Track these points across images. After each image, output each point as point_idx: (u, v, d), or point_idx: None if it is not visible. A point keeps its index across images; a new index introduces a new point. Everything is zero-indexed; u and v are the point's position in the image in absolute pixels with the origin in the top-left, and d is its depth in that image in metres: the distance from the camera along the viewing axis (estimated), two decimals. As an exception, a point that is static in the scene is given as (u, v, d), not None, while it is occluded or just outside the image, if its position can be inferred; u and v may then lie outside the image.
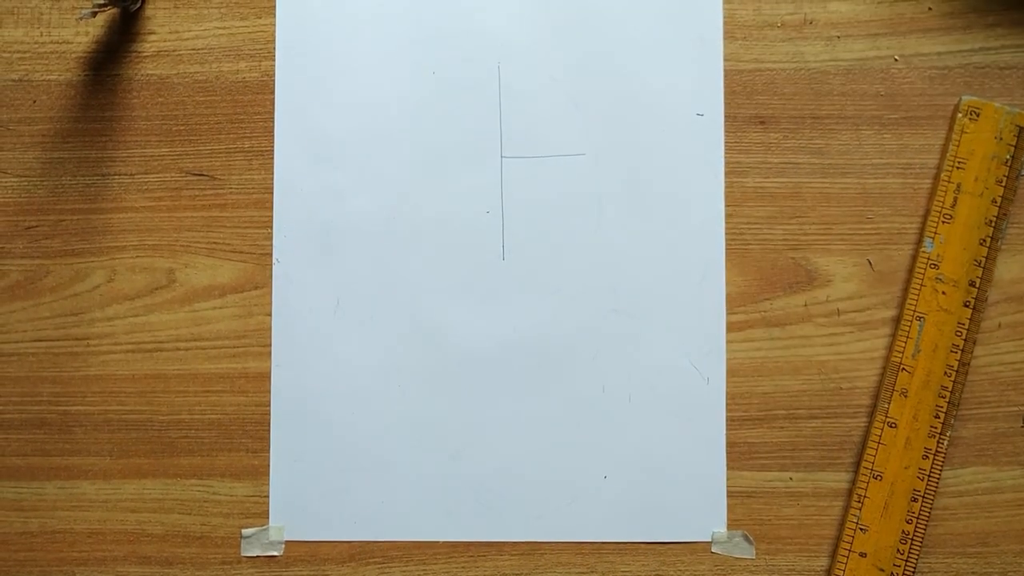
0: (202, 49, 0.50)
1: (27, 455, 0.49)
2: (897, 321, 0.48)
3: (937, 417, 0.47)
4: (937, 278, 0.48)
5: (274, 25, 0.50)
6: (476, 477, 0.49)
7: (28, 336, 0.50)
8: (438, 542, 0.49)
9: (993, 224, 0.48)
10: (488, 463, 0.49)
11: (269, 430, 0.49)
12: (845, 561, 0.47)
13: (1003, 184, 0.48)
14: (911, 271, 0.48)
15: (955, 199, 0.48)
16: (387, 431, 0.49)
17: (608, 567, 0.49)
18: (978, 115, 0.48)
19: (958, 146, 0.48)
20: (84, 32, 0.50)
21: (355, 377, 0.49)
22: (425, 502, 0.49)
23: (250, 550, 0.49)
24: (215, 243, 0.50)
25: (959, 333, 0.48)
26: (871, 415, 0.48)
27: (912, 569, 0.47)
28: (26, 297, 0.50)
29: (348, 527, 0.49)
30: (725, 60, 0.49)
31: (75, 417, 0.49)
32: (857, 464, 0.48)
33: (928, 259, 0.48)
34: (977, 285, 0.48)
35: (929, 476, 0.47)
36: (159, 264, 0.50)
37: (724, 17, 0.49)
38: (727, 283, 0.49)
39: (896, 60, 0.49)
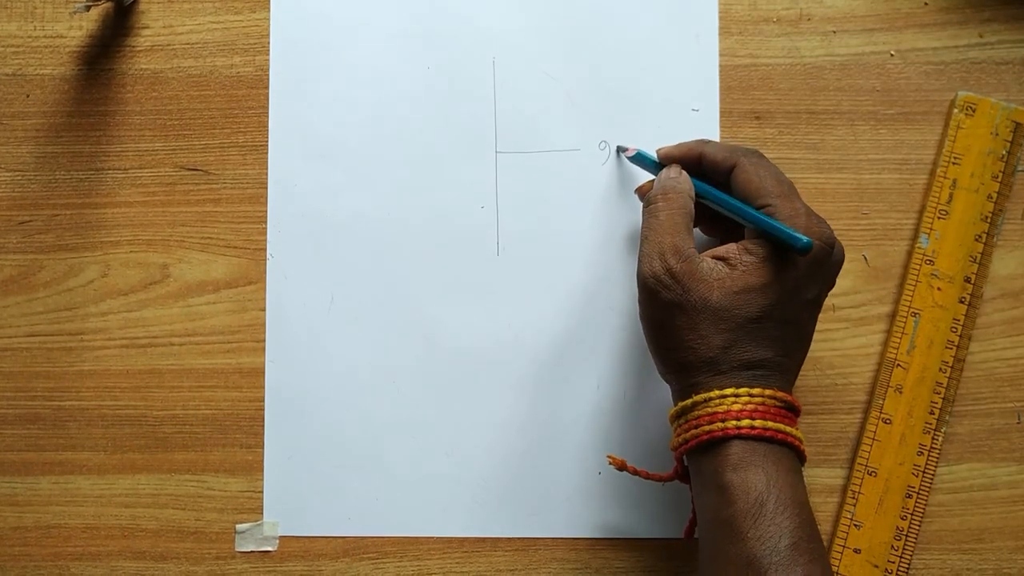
0: (196, 43, 0.50)
1: (21, 450, 0.49)
2: (892, 317, 0.48)
3: (932, 413, 0.47)
4: (932, 274, 0.48)
5: (268, 19, 0.50)
6: (470, 473, 0.49)
7: (22, 331, 0.50)
8: (432, 538, 0.49)
9: (989, 220, 0.48)
10: (482, 459, 0.49)
11: (263, 426, 0.49)
12: (840, 557, 0.47)
13: (999, 180, 0.48)
14: (906, 267, 0.48)
15: (951, 195, 0.48)
16: (381, 427, 0.49)
17: (603, 563, 0.48)
18: (974, 111, 0.48)
19: (954, 142, 0.48)
20: (78, 26, 0.50)
21: (349, 373, 0.49)
22: (419, 498, 0.49)
23: (244, 545, 0.49)
24: (209, 238, 0.50)
25: (954, 329, 0.48)
26: (866, 411, 0.48)
27: (907, 565, 0.47)
28: (20, 292, 0.50)
29: (342, 523, 0.49)
30: (721, 55, 0.49)
31: (69, 412, 0.49)
32: (852, 460, 0.48)
33: (924, 255, 0.48)
34: (973, 281, 0.48)
35: (924, 472, 0.47)
36: (153, 259, 0.50)
37: (720, 12, 0.49)
38: (722, 279, 0.49)
39: (892, 55, 0.49)
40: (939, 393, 0.47)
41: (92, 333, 0.49)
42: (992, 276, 0.48)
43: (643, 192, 0.46)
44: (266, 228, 0.49)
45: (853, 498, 0.47)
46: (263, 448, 0.49)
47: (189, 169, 0.50)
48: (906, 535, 0.47)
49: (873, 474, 0.47)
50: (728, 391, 0.39)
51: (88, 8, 0.48)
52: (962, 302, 0.48)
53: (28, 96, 0.50)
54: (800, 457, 0.40)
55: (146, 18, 0.50)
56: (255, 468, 0.49)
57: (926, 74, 0.49)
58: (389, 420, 0.49)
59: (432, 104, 0.50)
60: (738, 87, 0.49)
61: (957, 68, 0.49)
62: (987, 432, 0.48)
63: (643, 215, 0.43)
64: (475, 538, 0.49)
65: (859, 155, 0.49)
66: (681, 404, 0.40)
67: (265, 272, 0.49)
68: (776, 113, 0.49)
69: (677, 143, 0.45)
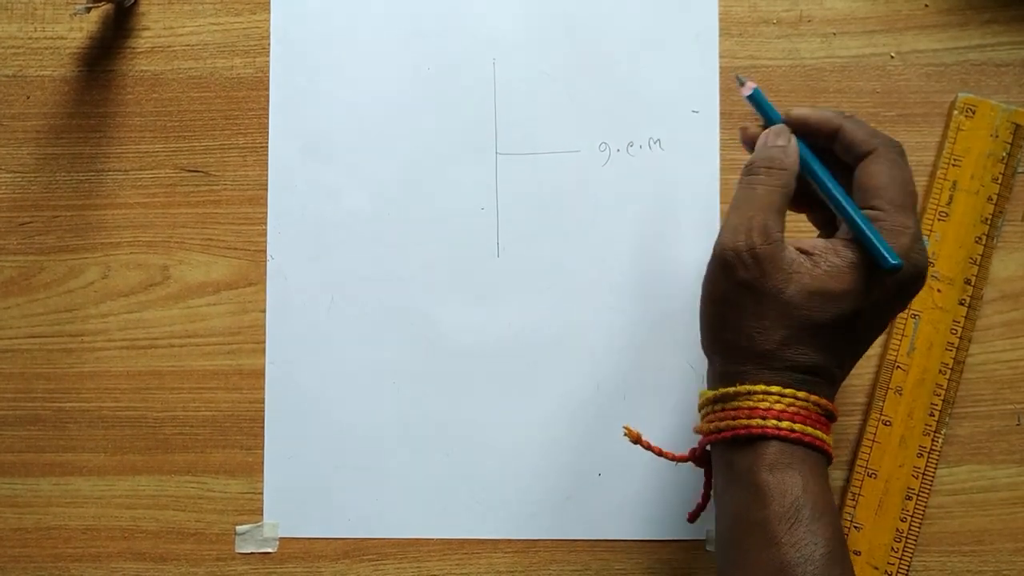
0: (196, 45, 0.50)
1: (21, 451, 0.49)
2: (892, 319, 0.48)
3: (932, 415, 0.47)
4: (932, 276, 0.48)
5: (268, 21, 0.50)
6: (470, 474, 0.49)
7: (22, 332, 0.50)
8: (432, 539, 0.49)
9: (989, 222, 0.48)
10: (483, 460, 0.49)
11: (263, 427, 0.49)
12: (839, 559, 0.47)
13: (999, 182, 0.48)
14: (906, 269, 0.48)
15: (951, 196, 0.48)
16: (381, 428, 0.49)
17: (602, 565, 0.48)
18: (974, 112, 0.48)
19: (954, 143, 0.48)
20: (78, 28, 0.50)
21: (349, 374, 0.49)
22: (419, 499, 0.49)
23: (244, 547, 0.49)
24: (209, 239, 0.50)
25: (954, 331, 0.48)
26: (866, 413, 0.48)
27: (906, 567, 0.47)
28: (20, 293, 0.50)
29: (342, 524, 0.49)
30: (721, 57, 0.49)
31: (69, 414, 0.49)
32: (852, 462, 0.48)
33: (924, 257, 0.48)
34: (972, 283, 0.48)
35: (924, 474, 0.47)
36: (153, 260, 0.50)
37: (720, 14, 0.49)
38: (722, 280, 0.49)
39: (892, 57, 0.49)
40: (939, 395, 0.47)
41: (92, 334, 0.49)
42: (992, 278, 0.48)
43: (747, 137, 0.41)
44: (266, 229, 0.50)
45: (853, 500, 0.47)
46: (263, 449, 0.49)
47: (189, 170, 0.50)
48: (906, 537, 0.47)
49: (873, 476, 0.47)
50: (774, 389, 0.37)
51: (88, 10, 0.48)
52: (962, 304, 0.48)
53: (28, 97, 0.50)
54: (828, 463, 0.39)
55: (146, 20, 0.50)
56: (255, 469, 0.49)
57: (926, 76, 0.49)
58: (389, 421, 0.49)
59: (432, 105, 0.50)
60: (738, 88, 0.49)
61: (957, 70, 0.49)
62: (987, 434, 0.48)
63: (740, 182, 0.39)
64: (475, 539, 0.49)
65: (859, 157, 0.49)
66: (722, 390, 0.38)
67: (265, 273, 0.49)
68: (776, 115, 0.49)
69: (816, 107, 0.41)
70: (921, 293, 0.47)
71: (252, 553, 0.49)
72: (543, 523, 0.49)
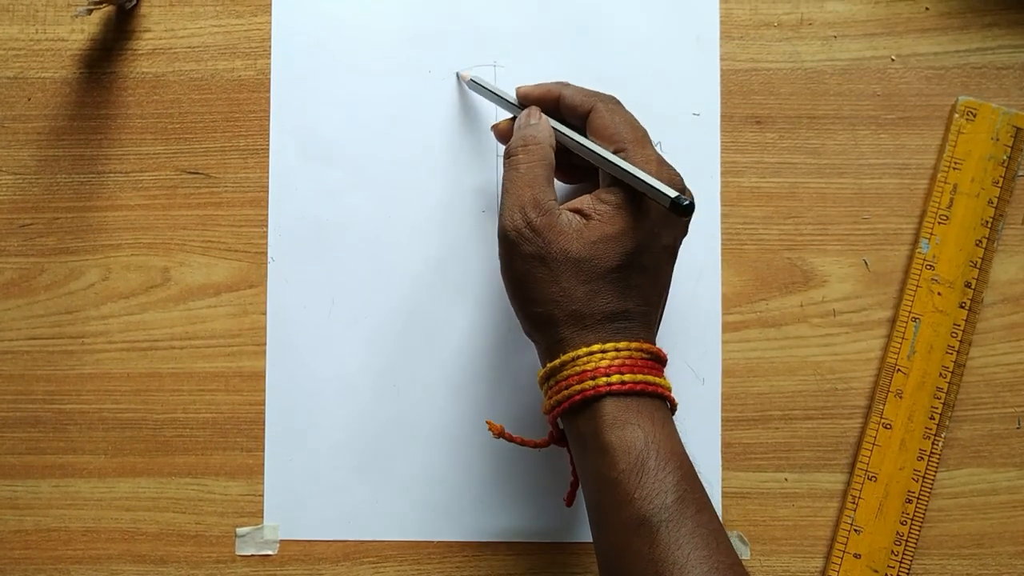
0: (197, 47, 0.50)
1: (22, 453, 0.49)
2: (893, 322, 0.48)
3: (932, 418, 0.47)
4: (933, 279, 0.48)
5: (270, 23, 0.50)
6: (471, 477, 0.49)
7: (23, 334, 0.50)
8: (432, 542, 0.49)
9: (989, 225, 0.48)
10: (483, 463, 0.49)
11: (264, 429, 0.49)
12: (839, 562, 0.47)
13: (999, 185, 0.48)
14: (907, 272, 0.48)
15: (951, 200, 0.48)
16: (382, 430, 0.49)
17: (603, 567, 0.48)
18: (974, 116, 0.48)
19: (954, 147, 0.48)
20: (79, 29, 0.50)
21: (350, 376, 0.49)
22: (420, 502, 0.49)
23: (244, 549, 0.49)
24: (210, 241, 0.50)
25: (954, 334, 0.48)
26: (866, 416, 0.48)
27: (906, 571, 0.47)
28: (20, 295, 0.50)
29: (343, 526, 0.49)
30: (721, 60, 0.49)
31: (70, 415, 0.49)
32: (852, 465, 0.48)
33: (924, 260, 0.48)
34: (973, 286, 0.48)
35: (924, 477, 0.47)
36: (154, 262, 0.50)
37: (721, 16, 0.49)
38: (723, 283, 0.49)
39: (893, 60, 0.49)
40: (939, 398, 0.47)
41: (93, 336, 0.49)
42: (992, 281, 0.48)
43: (500, 132, 0.46)
44: (267, 231, 0.49)
45: (853, 503, 0.47)
46: (263, 451, 0.49)
47: (190, 172, 0.50)
48: (906, 540, 0.47)
49: (873, 479, 0.47)
50: (595, 347, 0.39)
51: (90, 11, 0.48)
52: (962, 307, 0.48)
53: (30, 99, 0.50)
54: (672, 408, 0.40)
55: (147, 21, 0.50)
56: (255, 471, 0.49)
57: (927, 79, 0.49)
58: (390, 423, 0.49)
59: (433, 108, 0.50)
60: (739, 91, 0.49)
61: (958, 73, 0.49)
62: (987, 437, 0.48)
63: (504, 167, 0.42)
64: (475, 542, 0.49)
65: (860, 160, 0.49)
66: (550, 365, 0.40)
67: (266, 275, 0.49)
68: (777, 118, 0.49)
69: (536, 83, 0.46)
70: (921, 296, 0.47)
71: (252, 555, 0.49)
72: (544, 526, 0.49)
